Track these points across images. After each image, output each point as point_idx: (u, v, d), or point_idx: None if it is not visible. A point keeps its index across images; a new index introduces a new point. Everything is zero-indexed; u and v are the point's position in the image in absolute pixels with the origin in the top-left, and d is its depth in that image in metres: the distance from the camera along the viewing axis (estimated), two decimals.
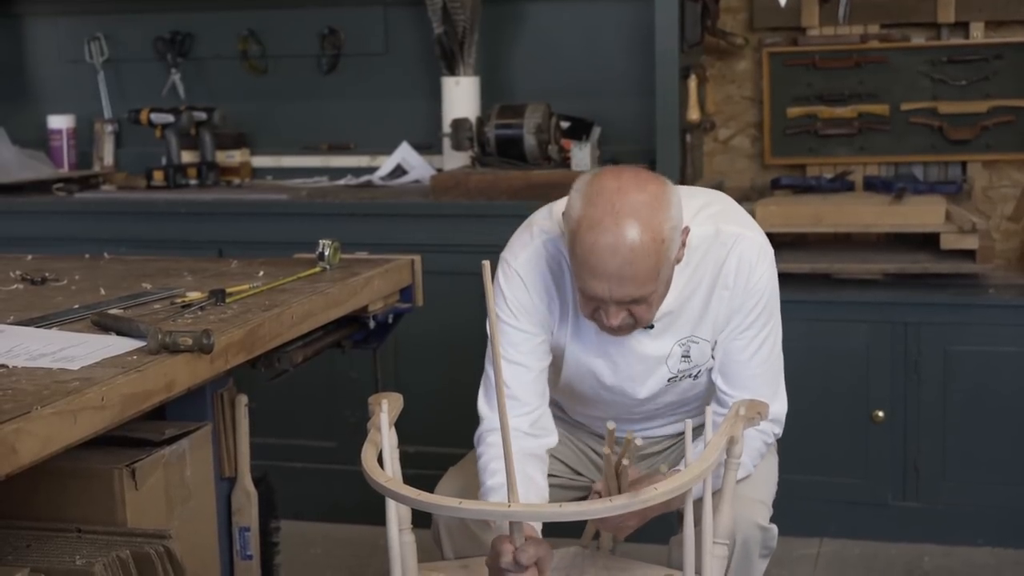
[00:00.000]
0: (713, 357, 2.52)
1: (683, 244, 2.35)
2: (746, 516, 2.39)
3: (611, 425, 2.02)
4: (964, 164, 4.43)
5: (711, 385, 2.56)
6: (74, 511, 2.22)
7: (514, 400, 2.46)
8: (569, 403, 2.73)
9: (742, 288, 2.45)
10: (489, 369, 2.50)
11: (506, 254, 2.53)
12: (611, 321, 2.32)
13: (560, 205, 2.44)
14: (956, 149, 4.39)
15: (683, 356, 2.51)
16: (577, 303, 2.43)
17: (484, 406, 2.51)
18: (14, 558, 2.06)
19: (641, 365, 2.51)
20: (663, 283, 2.32)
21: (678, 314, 2.47)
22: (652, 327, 2.47)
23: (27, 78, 5.06)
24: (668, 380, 2.53)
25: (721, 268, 2.44)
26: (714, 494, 2.28)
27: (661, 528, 2.53)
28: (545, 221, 2.51)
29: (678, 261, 2.37)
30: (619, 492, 2.13)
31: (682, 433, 2.70)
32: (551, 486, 2.71)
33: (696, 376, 2.54)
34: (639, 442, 2.07)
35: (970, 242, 3.95)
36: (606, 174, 2.31)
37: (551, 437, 2.54)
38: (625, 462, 1.99)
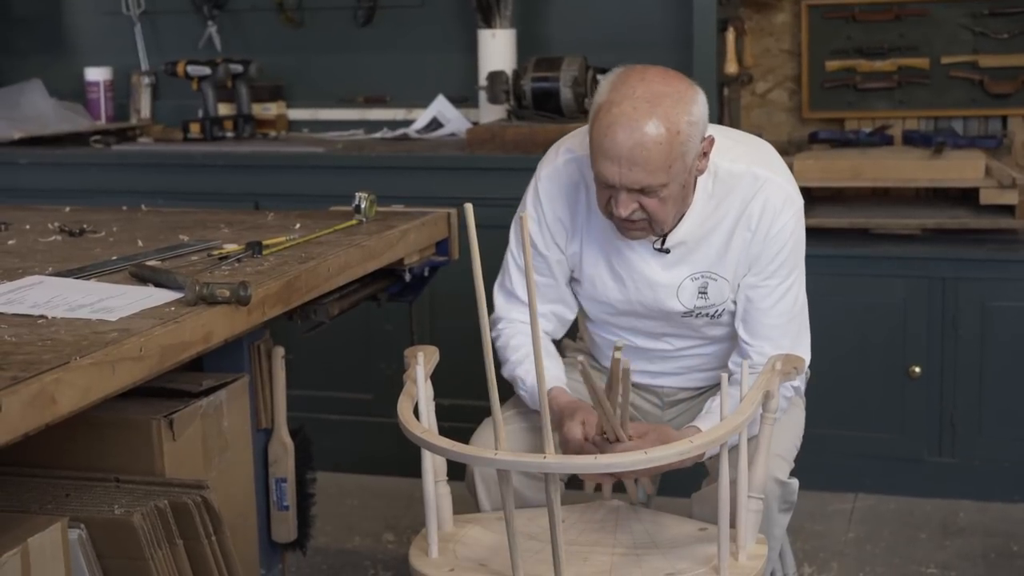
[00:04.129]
0: (735, 303, 2.51)
1: (705, 154, 2.37)
2: None
3: (620, 343, 2.06)
4: (1005, 118, 4.39)
5: (733, 334, 2.55)
6: (113, 461, 2.24)
7: (519, 301, 2.63)
8: (593, 330, 2.74)
9: (764, 234, 2.45)
10: (504, 274, 2.67)
11: (539, 163, 2.62)
12: (621, 210, 2.34)
13: None
14: (997, 103, 4.35)
15: (700, 292, 2.51)
16: (589, 228, 2.52)
17: (499, 298, 2.67)
18: (54, 507, 2.08)
19: (651, 291, 2.53)
20: (676, 181, 2.32)
21: (695, 246, 2.48)
22: (668, 252, 2.48)
23: (64, 30, 5.07)
24: (683, 315, 2.53)
25: (746, 208, 2.44)
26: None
27: (686, 482, 2.53)
28: (573, 139, 2.58)
29: (700, 172, 2.39)
30: (619, 431, 2.26)
31: (703, 387, 2.72)
32: None
33: (714, 315, 2.54)
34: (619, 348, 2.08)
35: (1010, 197, 3.92)
36: (636, 67, 2.36)
37: (561, 334, 2.72)
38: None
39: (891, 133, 4.41)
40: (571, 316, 2.69)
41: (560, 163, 2.55)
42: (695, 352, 2.65)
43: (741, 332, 2.52)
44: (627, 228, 2.40)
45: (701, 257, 2.49)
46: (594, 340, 2.77)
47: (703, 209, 2.45)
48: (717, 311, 2.53)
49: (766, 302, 2.49)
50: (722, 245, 2.47)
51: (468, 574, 2.24)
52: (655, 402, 2.75)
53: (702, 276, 2.50)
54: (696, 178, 2.41)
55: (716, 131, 2.42)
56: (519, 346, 2.58)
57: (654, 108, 2.25)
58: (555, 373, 2.56)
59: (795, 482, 2.47)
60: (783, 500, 2.46)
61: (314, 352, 3.92)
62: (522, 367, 2.58)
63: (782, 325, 2.50)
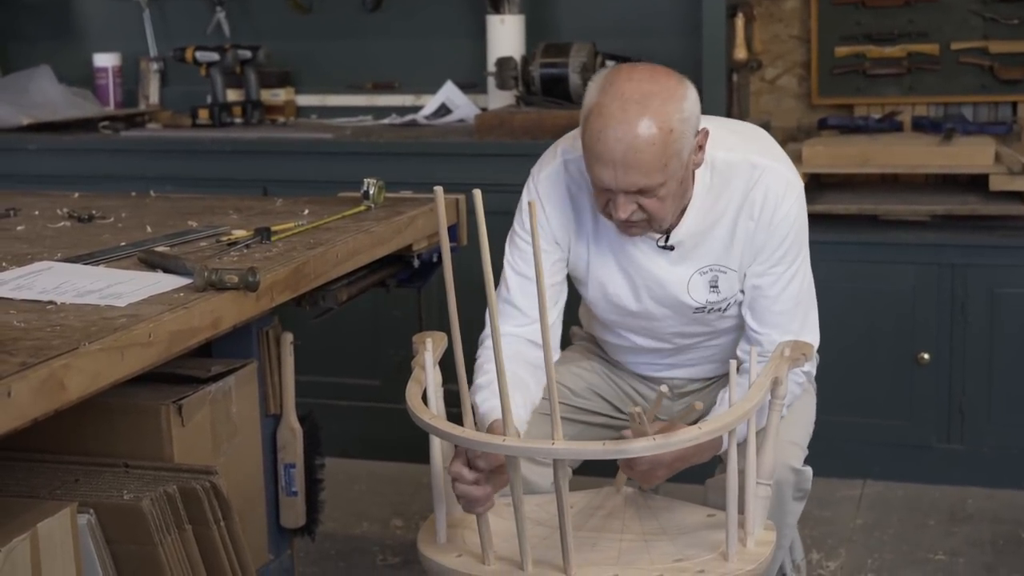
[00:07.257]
0: (742, 291, 2.51)
1: (700, 147, 2.35)
2: (779, 458, 2.38)
3: (664, 389, 2.11)
4: (1014, 104, 4.37)
5: (741, 323, 2.55)
6: (122, 447, 2.25)
7: (517, 311, 2.53)
8: (602, 334, 2.73)
9: (767, 222, 2.43)
10: (500, 285, 2.54)
11: (533, 169, 2.56)
12: (620, 213, 2.31)
13: None
14: (1007, 89, 4.33)
15: (711, 287, 2.50)
16: (595, 230, 2.48)
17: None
18: (63, 492, 2.09)
19: (661, 290, 2.51)
20: (673, 178, 2.30)
21: (700, 240, 2.46)
22: (672, 249, 2.46)
23: (73, 16, 5.07)
24: (695, 311, 2.53)
25: (747, 197, 2.43)
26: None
27: (699, 469, 2.53)
28: (570, 141, 2.53)
29: (696, 166, 2.37)
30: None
31: (713, 378, 2.72)
32: (594, 424, 2.72)
33: (725, 308, 2.53)
34: (664, 389, 2.12)
35: (1019, 184, 3.91)
36: (622, 67, 2.33)
37: (555, 352, 2.55)
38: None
39: (900, 119, 4.39)
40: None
41: (559, 164, 2.51)
42: (705, 345, 2.64)
43: (749, 320, 2.51)
44: (627, 227, 2.38)
45: (706, 251, 2.47)
46: (605, 340, 2.76)
47: (703, 203, 2.43)
48: (728, 303, 2.52)
49: (773, 289, 2.48)
50: (726, 237, 2.46)
51: (476, 560, 2.24)
52: (665, 392, 2.74)
53: (711, 270, 2.48)
54: (694, 172, 2.39)
55: (709, 122, 2.40)
56: (488, 371, 2.42)
57: (644, 108, 2.23)
58: (519, 412, 2.34)
59: (809, 470, 2.47)
60: (797, 488, 2.46)
61: (323, 338, 3.92)
62: (480, 394, 2.41)
63: (790, 311, 2.49)
